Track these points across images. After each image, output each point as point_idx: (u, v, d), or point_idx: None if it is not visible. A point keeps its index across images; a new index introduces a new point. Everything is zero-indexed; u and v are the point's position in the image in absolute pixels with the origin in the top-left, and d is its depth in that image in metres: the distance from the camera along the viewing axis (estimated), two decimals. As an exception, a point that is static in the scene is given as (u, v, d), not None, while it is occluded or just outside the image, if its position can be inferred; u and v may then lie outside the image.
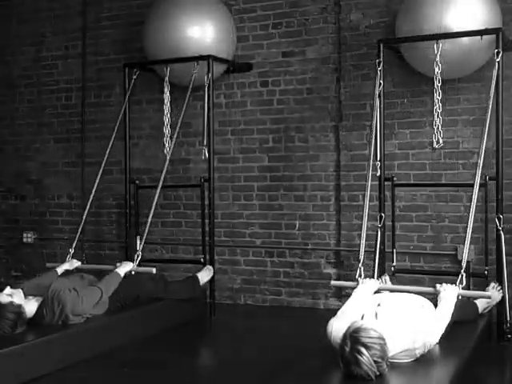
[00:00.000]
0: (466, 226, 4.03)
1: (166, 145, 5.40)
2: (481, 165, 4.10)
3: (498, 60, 4.34)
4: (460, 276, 3.80)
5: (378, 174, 4.69)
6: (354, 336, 2.91)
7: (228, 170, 5.79)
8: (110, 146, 5.38)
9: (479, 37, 4.49)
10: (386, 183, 4.78)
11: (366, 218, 4.37)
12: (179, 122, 5.22)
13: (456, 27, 4.57)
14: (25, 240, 6.50)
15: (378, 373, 2.90)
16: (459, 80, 4.98)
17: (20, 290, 4.04)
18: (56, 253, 6.40)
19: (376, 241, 4.58)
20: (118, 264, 4.72)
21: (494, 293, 4.34)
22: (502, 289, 4.35)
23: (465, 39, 4.58)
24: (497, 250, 4.41)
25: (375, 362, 2.88)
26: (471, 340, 3.71)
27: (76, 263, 4.99)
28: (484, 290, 4.41)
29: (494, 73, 4.32)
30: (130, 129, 5.59)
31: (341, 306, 3.64)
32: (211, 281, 5.15)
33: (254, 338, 4.60)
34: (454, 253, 5.06)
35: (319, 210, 5.50)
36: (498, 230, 4.37)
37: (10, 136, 6.69)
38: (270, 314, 5.43)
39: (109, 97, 6.20)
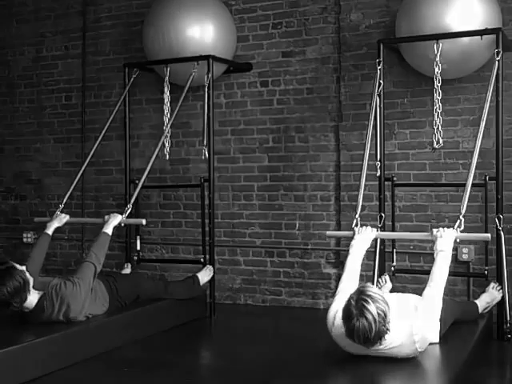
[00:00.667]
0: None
1: (166, 145, 5.40)
2: (474, 164, 4.09)
3: (497, 60, 4.34)
4: (458, 221, 3.78)
5: (378, 174, 4.69)
6: (361, 290, 3.02)
7: (228, 170, 5.79)
8: (95, 146, 5.39)
9: (479, 37, 4.49)
10: (386, 183, 4.79)
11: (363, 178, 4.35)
12: (169, 122, 5.22)
13: (456, 27, 4.57)
14: (25, 240, 6.50)
15: (379, 329, 2.93)
16: (459, 80, 4.99)
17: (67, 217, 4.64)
18: (56, 253, 6.41)
19: (376, 241, 4.58)
20: (106, 217, 4.63)
21: (494, 293, 4.34)
22: (501, 289, 4.35)
23: (465, 39, 4.58)
24: (497, 250, 4.41)
25: (379, 314, 2.93)
26: (471, 340, 3.71)
27: (64, 218, 4.88)
28: (484, 291, 4.41)
29: (494, 72, 4.32)
30: (129, 129, 5.60)
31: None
32: (211, 281, 5.15)
33: (254, 338, 4.60)
34: (453, 253, 5.04)
35: (319, 209, 5.50)
36: (498, 230, 4.37)
37: (9, 136, 6.69)
38: (270, 314, 5.43)
39: (109, 97, 6.20)
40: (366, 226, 3.93)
